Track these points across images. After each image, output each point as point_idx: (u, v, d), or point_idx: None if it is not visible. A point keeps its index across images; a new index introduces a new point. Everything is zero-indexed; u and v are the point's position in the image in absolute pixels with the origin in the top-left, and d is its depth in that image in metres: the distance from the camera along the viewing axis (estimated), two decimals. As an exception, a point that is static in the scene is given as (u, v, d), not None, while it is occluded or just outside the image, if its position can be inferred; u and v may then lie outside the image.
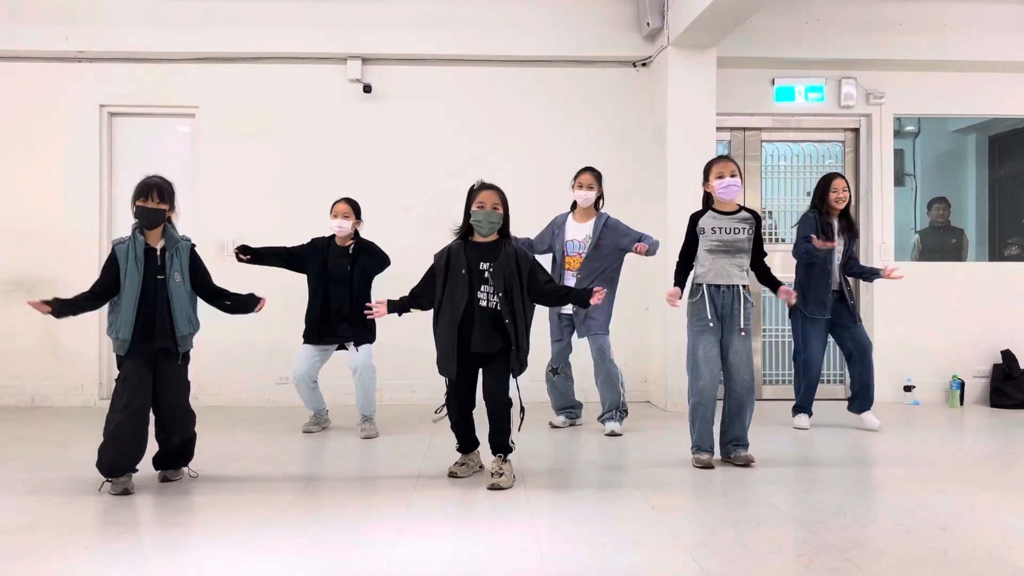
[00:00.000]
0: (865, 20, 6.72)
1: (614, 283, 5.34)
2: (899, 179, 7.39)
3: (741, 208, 4.46)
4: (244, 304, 4.16)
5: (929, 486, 3.95)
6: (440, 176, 6.76)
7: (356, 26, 6.66)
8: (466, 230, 4.05)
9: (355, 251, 5.32)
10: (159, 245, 3.91)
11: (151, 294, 3.84)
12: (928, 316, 6.86)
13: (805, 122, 7.05)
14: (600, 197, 5.37)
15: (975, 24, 6.77)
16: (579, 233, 5.32)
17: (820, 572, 2.75)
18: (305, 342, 5.33)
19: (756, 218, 4.45)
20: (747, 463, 4.37)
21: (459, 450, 4.23)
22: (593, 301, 3.97)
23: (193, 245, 4.05)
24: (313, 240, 5.38)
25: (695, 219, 4.48)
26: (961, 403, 6.65)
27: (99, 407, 6.46)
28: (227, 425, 5.64)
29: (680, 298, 4.45)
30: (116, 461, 3.77)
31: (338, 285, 5.27)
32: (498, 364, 3.99)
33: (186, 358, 4.02)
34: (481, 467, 4.25)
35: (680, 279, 4.52)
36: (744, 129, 7.02)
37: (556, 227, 5.40)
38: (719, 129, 6.55)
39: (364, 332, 5.32)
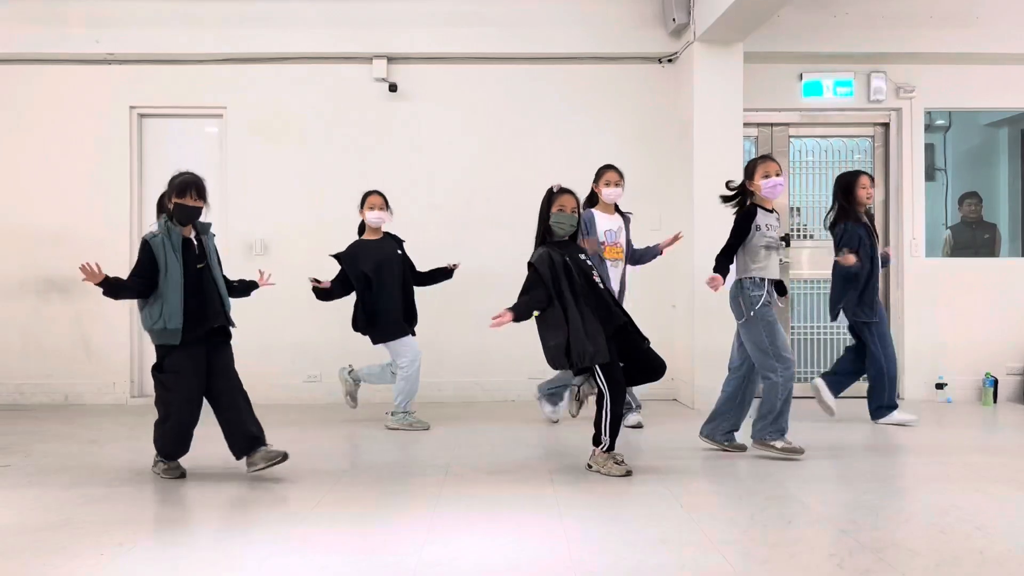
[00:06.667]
0: (894, 13, 6.62)
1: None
2: (930, 174, 7.27)
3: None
4: (246, 288, 4.45)
5: (963, 485, 3.89)
6: (466, 174, 6.77)
7: (382, 25, 6.68)
8: (545, 232, 4.21)
9: (393, 239, 5.56)
10: (191, 236, 4.11)
11: (195, 282, 4.02)
12: (960, 313, 6.76)
13: (834, 117, 6.97)
14: None
15: (1006, 16, 6.65)
16: (612, 223, 5.37)
17: (853, 572, 2.72)
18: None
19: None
20: (743, 449, 4.64)
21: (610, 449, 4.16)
22: None
23: (213, 234, 4.30)
24: (349, 248, 5.46)
25: (751, 216, 4.48)
26: (995, 401, 6.55)
27: (131, 405, 6.56)
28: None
29: (723, 284, 4.47)
30: (176, 447, 4.07)
31: (393, 276, 5.44)
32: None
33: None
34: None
35: (723, 269, 4.50)
36: (771, 125, 6.95)
37: (587, 222, 5.30)
38: (746, 125, 6.48)
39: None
